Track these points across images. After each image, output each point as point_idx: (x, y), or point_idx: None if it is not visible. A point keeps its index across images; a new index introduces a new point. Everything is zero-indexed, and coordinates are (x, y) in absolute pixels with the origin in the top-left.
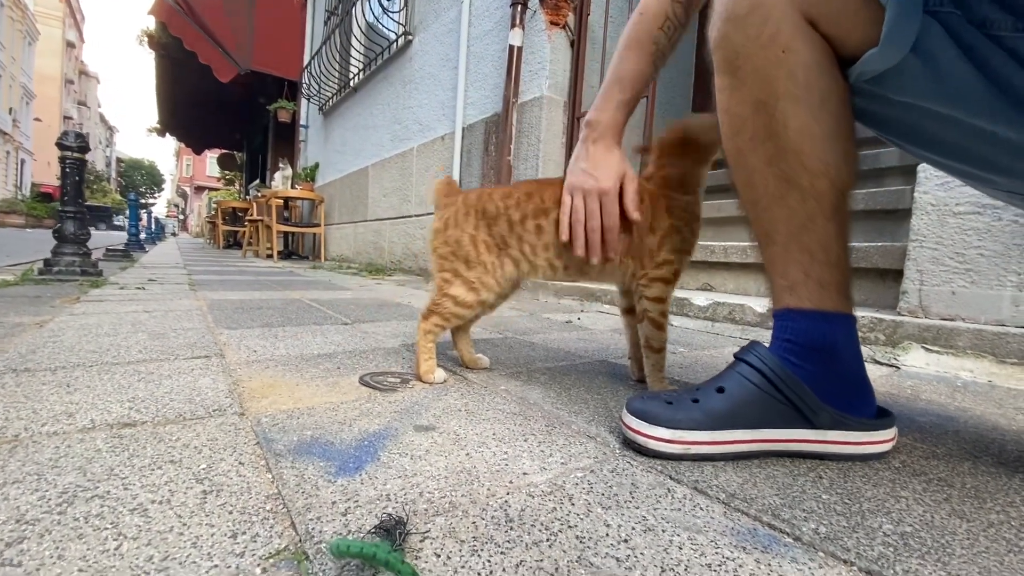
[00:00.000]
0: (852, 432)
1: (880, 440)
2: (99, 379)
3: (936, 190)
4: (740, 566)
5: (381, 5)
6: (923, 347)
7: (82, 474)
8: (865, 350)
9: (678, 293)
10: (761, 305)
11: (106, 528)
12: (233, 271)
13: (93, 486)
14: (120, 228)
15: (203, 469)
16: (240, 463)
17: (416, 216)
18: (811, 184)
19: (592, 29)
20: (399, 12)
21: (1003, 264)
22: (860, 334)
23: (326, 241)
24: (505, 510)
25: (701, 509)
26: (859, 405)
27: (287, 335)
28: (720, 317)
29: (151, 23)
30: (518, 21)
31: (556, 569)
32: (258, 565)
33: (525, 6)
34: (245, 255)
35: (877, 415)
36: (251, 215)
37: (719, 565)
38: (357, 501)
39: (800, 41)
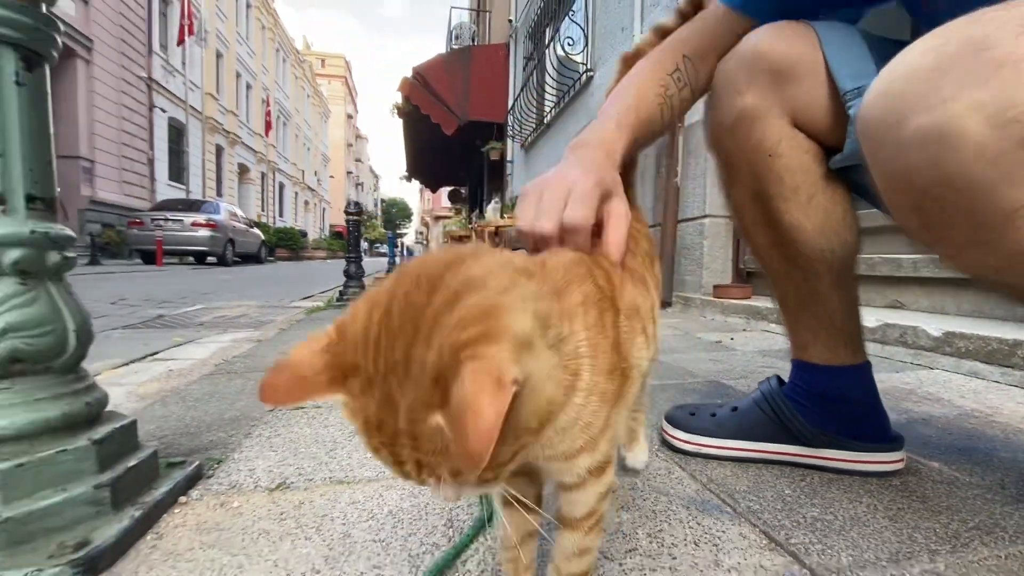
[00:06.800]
0: (847, 452)
1: (884, 460)
2: None
3: None
4: (683, 520)
5: (564, 48)
6: None
7: None
8: (1017, 374)
9: None
10: (937, 328)
11: None
12: None
13: None
14: (382, 255)
15: None
16: None
17: None
18: (810, 266)
19: None
20: (582, 52)
21: None
22: (1000, 358)
23: None
24: None
25: (680, 483)
26: (869, 433)
27: None
28: (891, 340)
29: (399, 97)
30: None
31: None
32: None
33: None
34: None
35: (892, 439)
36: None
37: (662, 511)
38: None
39: (785, 145)
